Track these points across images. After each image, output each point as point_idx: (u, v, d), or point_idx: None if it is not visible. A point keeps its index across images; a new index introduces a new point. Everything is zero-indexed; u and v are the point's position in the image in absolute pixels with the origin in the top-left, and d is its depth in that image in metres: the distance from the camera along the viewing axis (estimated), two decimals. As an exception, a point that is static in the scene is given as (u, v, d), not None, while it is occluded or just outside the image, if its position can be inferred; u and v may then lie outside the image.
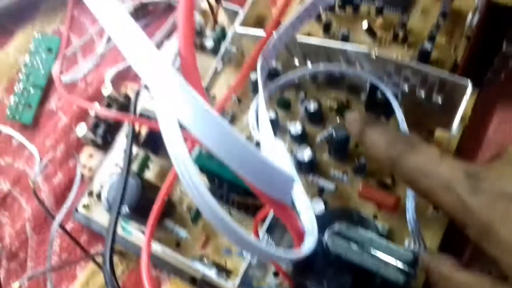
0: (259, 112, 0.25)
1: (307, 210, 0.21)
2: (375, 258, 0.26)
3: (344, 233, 0.27)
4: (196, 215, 0.38)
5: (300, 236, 0.20)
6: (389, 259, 0.26)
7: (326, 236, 0.27)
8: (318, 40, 0.31)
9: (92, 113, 0.41)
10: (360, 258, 0.26)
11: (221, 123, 0.15)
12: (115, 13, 0.16)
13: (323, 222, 0.29)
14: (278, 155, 0.21)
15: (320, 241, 0.27)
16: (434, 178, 0.23)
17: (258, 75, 0.27)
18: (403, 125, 0.32)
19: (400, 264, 0.26)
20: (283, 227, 0.35)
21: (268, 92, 0.34)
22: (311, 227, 0.20)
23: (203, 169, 0.34)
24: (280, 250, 0.16)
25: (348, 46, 0.30)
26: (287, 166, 0.21)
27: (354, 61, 0.32)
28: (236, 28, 0.36)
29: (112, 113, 0.34)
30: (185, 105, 0.14)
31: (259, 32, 0.34)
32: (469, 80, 0.28)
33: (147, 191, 0.37)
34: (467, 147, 0.36)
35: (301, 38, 0.32)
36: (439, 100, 0.31)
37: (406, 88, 0.32)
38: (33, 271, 0.41)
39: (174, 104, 0.14)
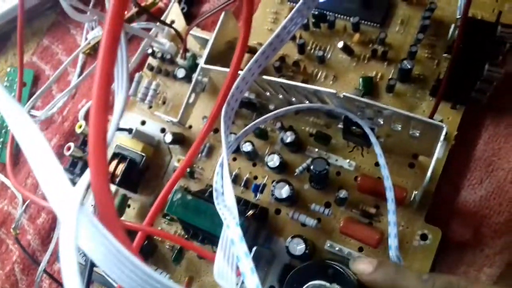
0: (224, 180, 0.24)
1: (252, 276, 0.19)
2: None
3: (317, 293, 0.26)
4: (178, 256, 0.37)
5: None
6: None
7: (299, 297, 0.26)
8: (284, 80, 0.30)
9: (67, 153, 0.40)
10: (334, 321, 0.25)
11: (140, 267, 0.14)
12: (32, 138, 0.15)
13: (299, 276, 0.28)
14: (234, 244, 0.20)
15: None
16: None
17: (222, 132, 0.25)
18: (382, 160, 0.30)
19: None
20: (264, 264, 0.34)
21: (239, 138, 0.32)
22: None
23: (178, 218, 0.32)
24: None
25: (315, 87, 0.28)
26: (243, 258, 0.20)
27: (325, 98, 0.30)
28: (202, 64, 0.34)
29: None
30: (101, 251, 0.14)
31: (224, 70, 0.32)
32: (444, 126, 0.26)
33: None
34: (454, 167, 0.34)
35: (267, 77, 0.30)
36: (416, 134, 0.30)
37: (381, 121, 0.30)
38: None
39: (92, 253, 0.13)
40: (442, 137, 0.26)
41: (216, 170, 0.27)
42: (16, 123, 0.16)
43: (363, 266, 0.27)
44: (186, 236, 0.34)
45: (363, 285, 0.31)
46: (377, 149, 0.30)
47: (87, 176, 0.15)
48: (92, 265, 0.34)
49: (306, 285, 0.26)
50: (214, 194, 0.26)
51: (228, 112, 0.29)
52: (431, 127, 0.26)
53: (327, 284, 0.26)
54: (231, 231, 0.21)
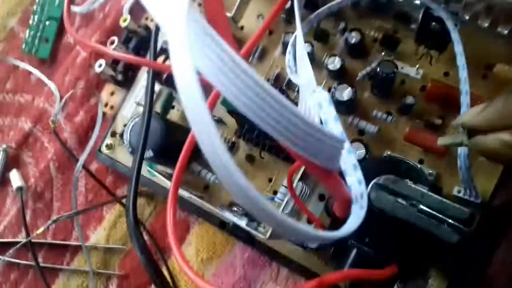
0: (298, 56, 0.21)
1: (355, 173, 0.17)
2: (426, 215, 0.23)
3: (390, 186, 0.24)
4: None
5: (346, 204, 0.17)
6: (442, 216, 0.23)
7: (369, 189, 0.24)
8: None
9: (111, 47, 0.38)
10: (408, 214, 0.23)
11: (259, 83, 0.12)
12: None
13: (366, 172, 0.26)
14: (322, 108, 0.18)
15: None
16: None
17: (296, 9, 0.23)
18: (462, 59, 0.27)
19: (454, 222, 0.23)
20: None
21: (306, 27, 0.29)
22: (360, 196, 0.17)
23: (232, 111, 0.30)
24: (322, 232, 0.13)
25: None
26: (332, 122, 0.18)
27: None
28: None
29: (128, 57, 0.31)
30: (215, 63, 0.11)
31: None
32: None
33: (172, 132, 0.34)
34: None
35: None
36: (505, 31, 0.27)
37: (466, 17, 0.27)
38: (58, 214, 0.40)
39: (199, 60, 0.11)
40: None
41: (288, 50, 0.25)
42: None
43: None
44: (238, 134, 0.32)
45: (436, 186, 0.29)
46: (458, 47, 0.27)
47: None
48: (139, 168, 0.32)
49: (378, 178, 0.24)
50: (288, 70, 0.23)
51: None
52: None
53: (400, 179, 0.24)
54: (318, 94, 0.19)
